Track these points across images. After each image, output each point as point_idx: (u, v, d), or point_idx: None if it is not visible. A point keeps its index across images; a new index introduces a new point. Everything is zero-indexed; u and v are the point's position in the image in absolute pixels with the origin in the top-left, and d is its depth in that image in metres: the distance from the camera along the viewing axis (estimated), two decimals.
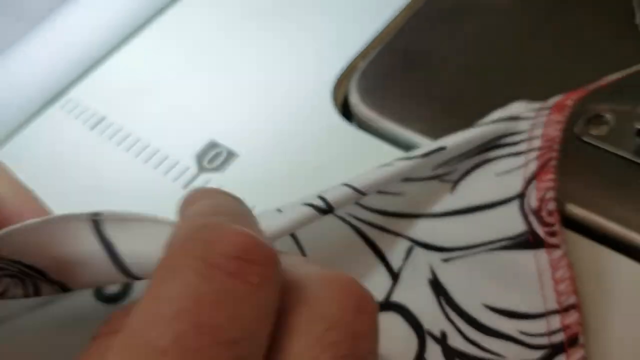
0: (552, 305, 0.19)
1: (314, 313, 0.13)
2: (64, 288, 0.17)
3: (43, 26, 0.31)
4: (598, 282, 0.20)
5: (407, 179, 0.21)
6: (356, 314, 0.14)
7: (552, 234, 0.20)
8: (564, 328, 0.18)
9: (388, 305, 0.20)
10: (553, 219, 0.20)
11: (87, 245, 0.16)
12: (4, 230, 0.16)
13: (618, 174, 0.22)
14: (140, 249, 0.16)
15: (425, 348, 0.19)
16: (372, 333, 0.14)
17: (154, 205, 0.22)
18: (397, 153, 0.24)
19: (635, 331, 0.19)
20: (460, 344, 0.19)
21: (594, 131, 0.23)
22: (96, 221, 0.16)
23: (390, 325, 0.19)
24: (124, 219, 0.16)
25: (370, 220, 0.21)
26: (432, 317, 0.19)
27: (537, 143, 0.21)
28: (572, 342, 0.18)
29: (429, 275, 0.20)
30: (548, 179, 0.20)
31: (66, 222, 0.16)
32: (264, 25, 0.30)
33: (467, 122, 0.23)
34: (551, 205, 0.20)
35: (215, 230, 0.13)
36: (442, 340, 0.19)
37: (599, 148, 0.23)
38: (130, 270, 0.16)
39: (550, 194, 0.20)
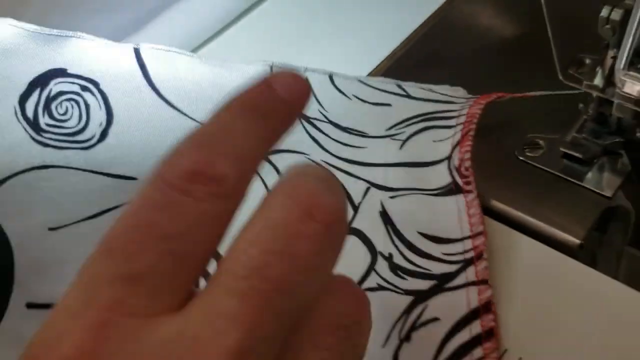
0: (466, 232, 0.26)
1: (259, 217, 0.14)
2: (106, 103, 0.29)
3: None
4: (514, 259, 0.27)
5: (366, 136, 0.30)
6: (303, 217, 0.14)
7: (468, 183, 0.27)
8: (474, 248, 0.26)
9: (350, 230, 0.27)
10: (469, 173, 0.28)
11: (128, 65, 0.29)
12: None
13: (546, 186, 0.30)
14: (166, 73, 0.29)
15: (376, 262, 0.26)
16: (317, 238, 0.14)
17: None
18: None
19: (536, 296, 0.26)
20: (401, 261, 0.26)
21: (531, 153, 0.31)
22: (137, 49, 0.30)
23: (351, 246, 0.26)
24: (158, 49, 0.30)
25: (339, 166, 0.29)
26: (382, 241, 0.27)
27: (462, 119, 0.29)
28: (479, 257, 0.25)
29: (379, 208, 0.27)
30: (467, 144, 0.28)
31: (113, 47, 0.30)
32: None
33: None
34: (467, 163, 0.28)
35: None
36: (389, 258, 0.26)
37: (534, 166, 0.30)
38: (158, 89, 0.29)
39: (468, 155, 0.28)
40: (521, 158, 0.31)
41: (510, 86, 0.32)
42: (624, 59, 0.25)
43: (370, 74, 0.35)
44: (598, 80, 0.28)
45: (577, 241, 0.27)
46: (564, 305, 0.26)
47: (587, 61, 0.29)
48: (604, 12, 0.27)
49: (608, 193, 0.29)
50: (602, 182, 0.29)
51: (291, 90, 0.16)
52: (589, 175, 0.30)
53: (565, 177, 0.30)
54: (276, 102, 0.16)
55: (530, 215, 0.28)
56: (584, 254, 0.30)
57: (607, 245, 0.32)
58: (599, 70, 0.28)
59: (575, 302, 0.26)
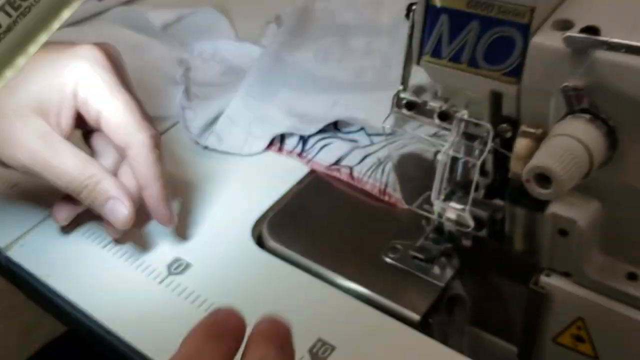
0: None
1: None
2: None
3: None
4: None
5: None
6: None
7: None
8: None
9: None
10: None
11: None
12: None
13: (400, 278, 0.40)
14: None
15: None
16: None
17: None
18: (296, 272, 0.41)
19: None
20: None
21: (392, 255, 0.41)
22: None
23: None
24: None
25: None
26: None
27: None
28: None
29: None
30: None
31: None
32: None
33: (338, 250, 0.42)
34: None
35: None
36: None
37: (396, 267, 0.41)
38: None
39: None
40: (384, 258, 0.42)
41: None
42: (438, 191, 0.37)
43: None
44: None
45: (417, 317, 0.38)
46: None
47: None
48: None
49: (442, 283, 0.39)
50: (440, 275, 0.40)
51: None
52: (432, 270, 0.40)
53: (414, 272, 0.40)
54: (229, 327, 0.26)
55: (387, 298, 0.39)
56: (438, 332, 0.40)
57: (452, 325, 0.42)
58: None
59: None
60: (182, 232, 0.45)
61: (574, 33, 0.31)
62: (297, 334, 0.33)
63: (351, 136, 0.50)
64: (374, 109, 0.48)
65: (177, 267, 0.43)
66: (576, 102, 0.32)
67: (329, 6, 0.63)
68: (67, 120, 0.42)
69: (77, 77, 0.41)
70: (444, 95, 0.37)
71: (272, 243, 0.44)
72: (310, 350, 0.36)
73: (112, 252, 0.44)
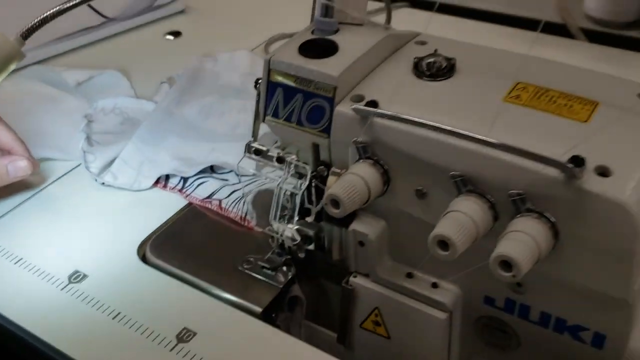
0: None
1: None
2: None
3: None
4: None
5: None
6: None
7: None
8: None
9: None
10: None
11: None
12: None
13: (251, 283, 0.53)
14: None
15: None
16: None
17: None
18: (171, 280, 0.53)
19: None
20: None
21: (246, 266, 0.54)
22: None
23: None
24: None
25: None
26: None
27: None
28: None
29: None
30: None
31: None
32: None
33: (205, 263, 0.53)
34: None
35: None
36: None
37: (249, 275, 0.53)
38: None
39: None
40: (240, 268, 0.54)
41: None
42: (274, 216, 0.50)
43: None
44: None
45: (260, 309, 0.50)
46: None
47: None
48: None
49: (280, 285, 0.52)
50: (281, 280, 0.53)
51: None
52: (275, 276, 0.53)
53: (261, 277, 0.53)
54: None
55: (238, 297, 0.51)
56: (282, 327, 0.53)
57: (293, 320, 0.55)
58: None
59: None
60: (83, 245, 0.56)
61: (360, 105, 0.45)
62: (167, 324, 0.45)
63: (223, 176, 0.62)
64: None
65: (76, 277, 0.54)
66: (363, 152, 0.45)
67: (215, 68, 0.76)
68: None
69: None
70: (282, 145, 0.51)
71: (152, 259, 0.55)
72: (177, 336, 0.48)
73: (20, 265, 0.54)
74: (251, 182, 0.60)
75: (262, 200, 0.58)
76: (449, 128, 0.41)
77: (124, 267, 0.55)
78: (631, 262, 0.38)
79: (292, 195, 0.50)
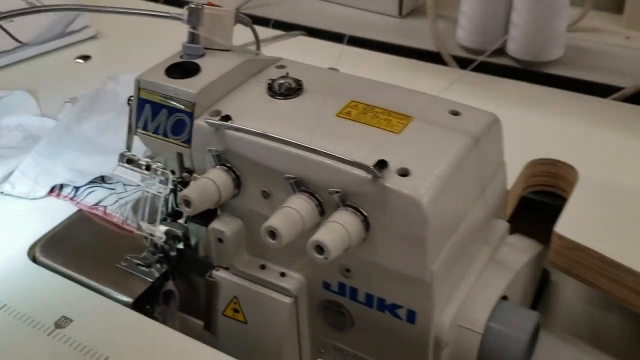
0: None
1: None
2: None
3: None
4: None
5: None
6: None
7: None
8: None
9: None
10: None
11: None
12: None
13: (123, 280, 0.59)
14: None
15: None
16: None
17: None
18: (56, 277, 0.58)
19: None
20: None
21: (124, 263, 0.60)
22: None
23: None
24: None
25: None
26: None
27: None
28: None
29: None
30: None
31: None
32: None
33: (90, 262, 0.59)
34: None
35: None
36: None
37: (126, 271, 0.59)
38: None
39: None
40: (118, 266, 0.60)
41: None
42: (141, 217, 0.56)
43: None
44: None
45: (131, 299, 0.56)
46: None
47: None
48: None
49: (151, 279, 0.58)
50: (153, 275, 0.59)
51: None
52: (149, 272, 0.59)
53: (135, 273, 0.59)
54: None
55: (114, 289, 0.57)
56: (159, 319, 0.59)
57: (168, 312, 0.61)
58: None
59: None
60: None
61: (212, 119, 0.52)
62: (48, 313, 0.51)
63: (112, 186, 0.68)
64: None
65: None
66: (217, 160, 0.52)
67: (117, 88, 0.83)
68: None
69: None
70: (152, 154, 0.57)
71: (41, 258, 0.61)
72: (55, 322, 0.54)
73: None
74: (135, 192, 0.66)
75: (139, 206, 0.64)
76: (280, 137, 0.49)
77: (14, 266, 0.60)
78: (424, 247, 0.46)
79: (159, 199, 0.56)
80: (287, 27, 1.00)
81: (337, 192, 0.47)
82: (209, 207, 0.51)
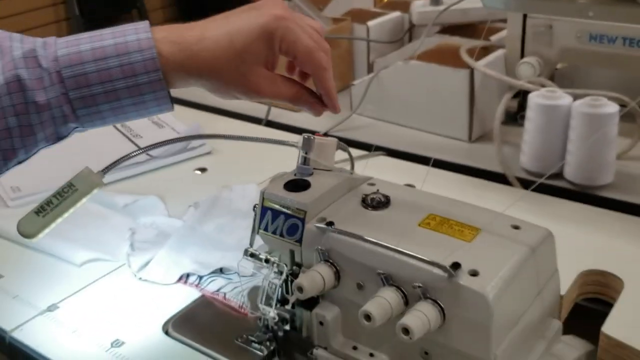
0: None
1: None
2: None
3: None
4: None
5: None
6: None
7: None
8: None
9: None
10: None
11: None
12: None
13: (239, 354, 0.70)
14: None
15: None
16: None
17: None
18: (191, 352, 0.71)
19: None
20: None
21: (240, 340, 0.72)
22: None
23: None
24: None
25: None
26: None
27: None
28: None
29: None
30: None
31: None
32: None
33: (226, 338, 0.71)
34: None
35: None
36: None
37: (243, 347, 0.71)
38: None
39: None
40: (236, 342, 0.72)
41: None
42: (260, 301, 0.68)
43: None
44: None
45: None
46: None
47: None
48: None
49: (262, 354, 0.70)
50: (262, 351, 0.70)
51: None
52: (260, 348, 0.71)
53: (251, 349, 0.71)
54: None
55: None
56: None
57: None
58: None
59: None
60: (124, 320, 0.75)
61: (320, 224, 0.65)
62: None
63: (229, 276, 0.82)
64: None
65: (116, 343, 0.72)
66: (322, 256, 0.65)
67: (230, 196, 0.98)
68: (276, 62, 0.61)
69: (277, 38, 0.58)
70: (269, 250, 0.70)
71: (173, 333, 0.73)
72: None
73: None
74: (250, 281, 0.79)
75: (256, 294, 0.77)
76: (374, 240, 0.61)
77: (151, 339, 0.73)
78: (489, 334, 0.56)
79: (275, 286, 0.69)
80: (369, 148, 1.14)
81: (419, 286, 0.58)
82: (315, 294, 0.63)
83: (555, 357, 0.65)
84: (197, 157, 1.15)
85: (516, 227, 0.64)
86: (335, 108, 0.64)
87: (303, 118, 1.26)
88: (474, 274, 0.57)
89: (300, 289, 0.61)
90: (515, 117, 1.18)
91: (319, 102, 0.64)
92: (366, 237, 0.61)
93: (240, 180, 1.03)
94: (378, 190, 0.69)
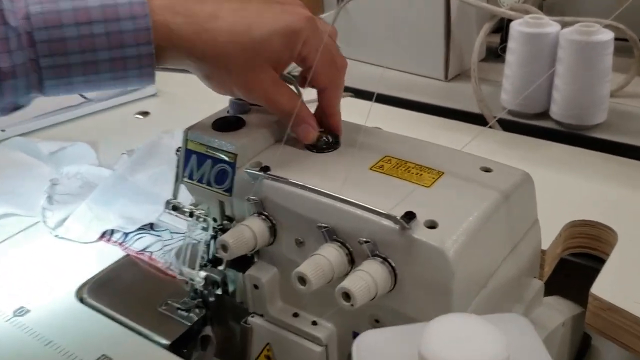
0: None
1: None
2: None
3: None
4: None
5: None
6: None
7: None
8: None
9: None
10: None
11: None
12: None
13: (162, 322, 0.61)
14: None
15: None
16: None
17: None
18: (102, 318, 0.61)
19: None
20: None
21: (164, 307, 0.62)
22: None
23: None
24: None
25: None
26: None
27: None
28: None
29: None
30: None
31: None
32: None
33: (134, 304, 0.62)
34: None
35: None
36: None
37: (167, 315, 0.62)
38: None
39: None
40: (159, 309, 0.62)
41: None
42: (183, 262, 0.58)
43: None
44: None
45: (168, 341, 0.58)
46: None
47: None
48: None
49: (189, 323, 0.60)
50: (190, 319, 0.61)
51: None
52: (188, 316, 0.61)
53: (174, 317, 0.61)
54: None
55: (153, 332, 0.59)
56: None
57: (205, 357, 0.62)
58: None
59: None
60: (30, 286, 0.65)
61: (251, 169, 0.54)
62: (90, 351, 0.53)
63: (159, 233, 0.72)
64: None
65: (20, 312, 0.62)
66: (255, 208, 0.55)
67: (171, 142, 0.87)
68: (286, 66, 0.55)
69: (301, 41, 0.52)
70: (196, 202, 0.60)
71: (87, 299, 0.64)
72: None
73: None
74: (181, 239, 0.69)
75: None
76: (313, 187, 0.51)
77: (63, 305, 0.63)
78: (450, 298, 0.47)
79: (198, 244, 0.59)
80: None
81: (366, 241, 0.49)
82: (245, 253, 0.53)
83: (535, 324, 0.56)
84: (140, 99, 1.04)
85: (487, 170, 0.54)
86: (338, 129, 0.58)
87: None
88: (431, 225, 0.47)
89: (224, 248, 0.51)
90: (497, 52, 1.07)
91: (314, 123, 0.56)
92: (305, 185, 0.51)
93: (187, 125, 0.92)
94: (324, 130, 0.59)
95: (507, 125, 0.92)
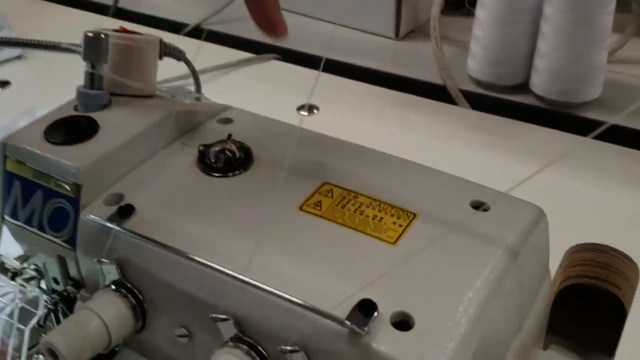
0: None
1: None
2: None
3: None
4: None
5: None
6: None
7: None
8: None
9: None
10: None
11: None
12: None
13: None
14: None
15: None
16: None
17: None
18: None
19: None
20: None
21: None
22: None
23: None
24: None
25: None
26: None
27: None
28: None
29: None
30: None
31: None
32: None
33: None
34: None
35: None
36: None
37: None
38: None
39: None
40: None
41: None
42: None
43: None
44: None
45: None
46: None
47: None
48: None
49: None
50: None
51: None
52: None
53: None
54: None
55: None
56: None
57: None
58: None
59: None
60: None
61: (106, 211, 0.33)
62: None
63: None
64: None
65: None
66: (109, 275, 0.34)
67: None
68: None
69: None
70: (27, 254, 0.39)
71: None
72: None
73: None
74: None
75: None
76: (201, 260, 0.30)
77: None
78: None
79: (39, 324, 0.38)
80: (258, 48, 0.81)
81: (293, 350, 0.29)
82: (92, 356, 0.32)
83: None
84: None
85: (481, 205, 0.35)
86: (279, 29, 0.40)
87: (170, 6, 0.92)
88: (402, 322, 0.28)
89: (52, 355, 0.30)
90: (461, 2, 0.87)
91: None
92: (186, 252, 0.31)
93: (58, 102, 0.69)
94: (231, 135, 0.38)
95: (475, 101, 0.73)
